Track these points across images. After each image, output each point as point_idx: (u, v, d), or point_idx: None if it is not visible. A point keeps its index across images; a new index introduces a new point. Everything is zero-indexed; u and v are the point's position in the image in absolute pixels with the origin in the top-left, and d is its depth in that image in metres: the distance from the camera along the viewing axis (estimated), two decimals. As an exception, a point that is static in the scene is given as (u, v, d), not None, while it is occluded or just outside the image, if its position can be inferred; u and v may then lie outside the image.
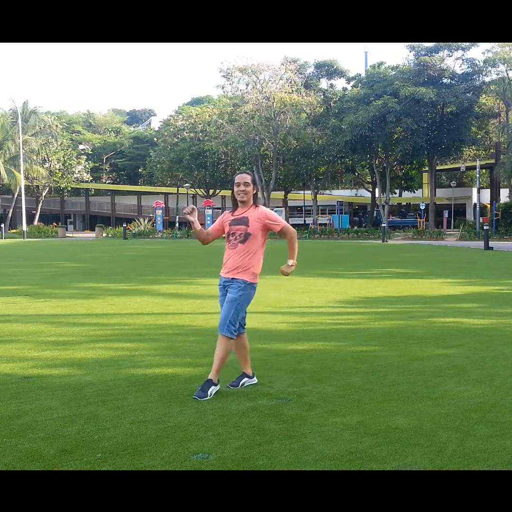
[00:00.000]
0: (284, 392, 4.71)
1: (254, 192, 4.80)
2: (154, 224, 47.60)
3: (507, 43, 39.70)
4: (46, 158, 57.52)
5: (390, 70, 45.34)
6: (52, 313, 8.74)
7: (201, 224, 4.87)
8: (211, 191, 56.49)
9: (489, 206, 42.49)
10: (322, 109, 46.04)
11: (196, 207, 4.89)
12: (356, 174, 54.75)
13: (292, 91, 44.88)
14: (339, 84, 49.38)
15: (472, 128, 44.57)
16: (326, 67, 47.61)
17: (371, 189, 52.68)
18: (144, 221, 47.78)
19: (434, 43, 41.28)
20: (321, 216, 52.37)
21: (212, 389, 4.59)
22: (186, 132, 52.09)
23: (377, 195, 48.47)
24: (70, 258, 21.73)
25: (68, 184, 60.71)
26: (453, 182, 54.76)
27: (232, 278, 4.70)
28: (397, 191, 54.57)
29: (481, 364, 5.57)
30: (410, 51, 42.64)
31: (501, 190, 48.04)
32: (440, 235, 37.51)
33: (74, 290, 11.55)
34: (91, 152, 68.85)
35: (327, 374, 5.25)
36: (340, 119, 41.76)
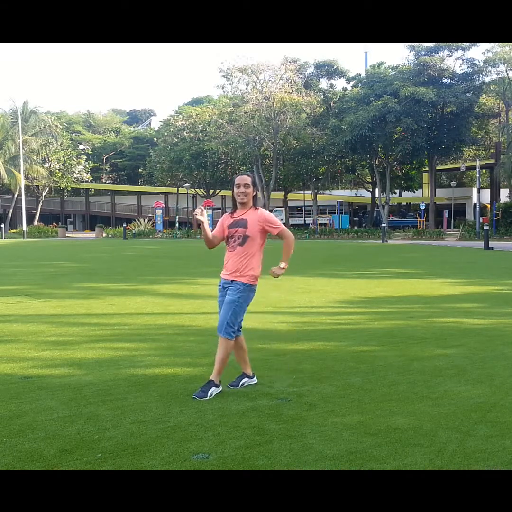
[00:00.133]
0: (284, 392, 4.71)
1: (254, 193, 4.81)
2: (154, 224, 47.60)
3: (507, 43, 39.71)
4: (46, 158, 57.52)
5: (390, 70, 45.34)
6: (52, 313, 8.74)
7: (200, 224, 4.86)
8: (211, 191, 56.48)
9: (489, 206, 42.49)
10: (322, 109, 46.04)
11: (203, 208, 4.86)
12: (356, 174, 54.76)
13: (292, 91, 44.88)
14: (339, 84, 49.47)
15: (472, 128, 44.57)
16: (326, 67, 47.61)
17: (371, 189, 52.68)
18: (144, 221, 47.79)
19: (434, 43, 41.29)
20: (321, 216, 52.36)
21: (213, 390, 4.60)
22: (186, 132, 52.08)
23: (377, 195, 48.48)
24: (70, 258, 21.73)
25: (68, 184, 60.72)
26: (453, 182, 54.77)
27: (232, 280, 4.71)
28: (397, 191, 54.57)
29: (481, 364, 5.57)
30: (410, 51, 42.66)
31: (501, 190, 48.05)
32: (440, 235, 37.51)
33: (74, 290, 11.55)
34: (91, 152, 68.86)
35: (327, 374, 5.25)
36: (340, 119, 41.76)
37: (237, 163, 49.75)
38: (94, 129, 78.93)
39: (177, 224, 47.40)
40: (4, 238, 43.67)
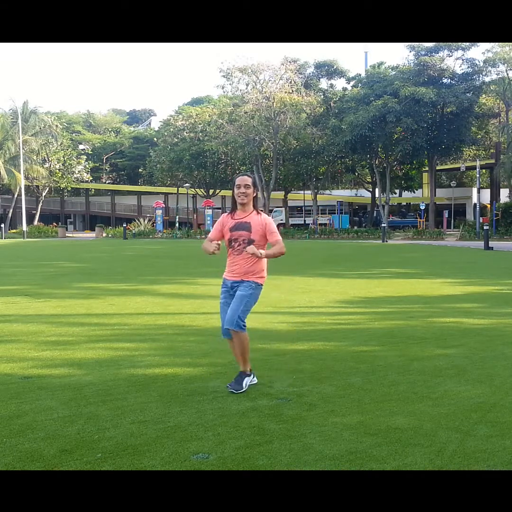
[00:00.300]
0: (284, 392, 4.71)
1: (254, 194, 4.81)
2: (154, 224, 47.61)
3: (507, 43, 39.71)
4: (46, 158, 57.53)
5: (390, 70, 45.34)
6: (52, 313, 8.74)
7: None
8: (211, 191, 56.49)
9: (489, 206, 42.49)
10: (322, 109, 46.05)
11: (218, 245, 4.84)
12: (356, 174, 54.76)
13: (292, 91, 44.88)
14: (339, 84, 49.47)
15: (472, 128, 44.57)
16: (326, 67, 47.61)
17: (371, 189, 52.69)
18: (144, 221, 47.78)
19: (434, 43, 41.29)
20: (321, 216, 52.36)
21: (247, 380, 4.73)
22: (186, 132, 52.09)
23: (377, 195, 48.48)
24: (70, 258, 21.73)
25: (68, 184, 60.72)
26: (453, 182, 54.77)
27: (242, 280, 4.74)
28: (397, 191, 54.57)
29: (481, 364, 5.57)
30: (410, 51, 42.66)
31: (501, 190, 48.05)
32: (440, 235, 37.51)
33: (74, 290, 11.56)
34: (91, 152, 68.86)
35: (327, 374, 5.25)
36: (340, 119, 41.76)
37: (237, 163, 49.76)
38: (94, 129, 78.93)
39: (177, 224, 47.40)
40: (4, 238, 43.68)
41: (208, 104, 61.66)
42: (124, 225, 44.69)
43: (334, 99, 45.93)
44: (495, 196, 45.59)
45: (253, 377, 4.96)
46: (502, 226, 36.76)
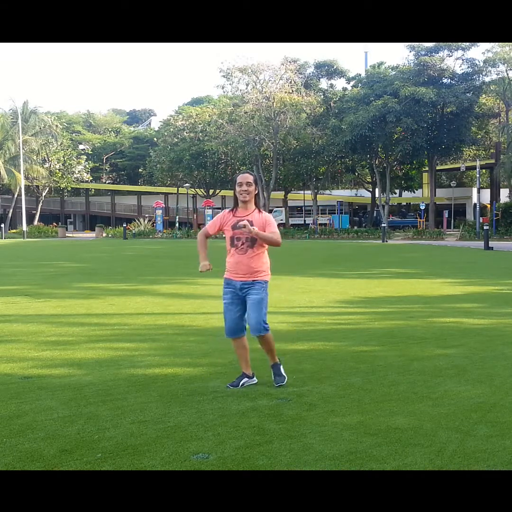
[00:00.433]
0: (284, 392, 4.71)
1: (256, 192, 4.81)
2: (154, 224, 47.59)
3: (507, 43, 39.71)
4: (46, 158, 57.52)
5: (390, 70, 45.33)
6: (52, 313, 8.74)
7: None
8: (211, 191, 56.49)
9: (489, 206, 42.48)
10: (322, 109, 46.04)
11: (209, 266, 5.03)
12: (356, 174, 54.75)
13: (292, 91, 44.88)
14: (339, 84, 49.45)
15: (472, 128, 44.56)
16: (326, 67, 47.60)
17: (371, 189, 52.68)
18: (144, 221, 47.77)
19: (434, 43, 41.28)
20: (321, 216, 52.35)
21: (282, 369, 4.94)
22: (186, 132, 52.08)
23: (377, 195, 48.47)
24: (70, 258, 21.73)
25: (68, 184, 60.71)
26: (453, 182, 54.76)
27: (253, 281, 4.76)
28: (397, 191, 54.56)
29: (481, 364, 5.57)
30: (410, 51, 42.65)
31: (501, 190, 48.04)
32: (440, 235, 37.51)
33: (74, 290, 11.56)
34: (91, 152, 68.85)
35: (327, 374, 5.25)
36: (340, 119, 41.76)
37: (237, 163, 49.74)
38: (94, 129, 78.93)
39: (177, 224, 47.40)
40: (4, 238, 43.67)
41: (208, 104, 61.65)
42: (124, 225, 44.68)
43: (334, 99, 45.93)
44: (495, 196, 45.59)
45: (253, 377, 4.96)
46: (502, 226, 36.75)
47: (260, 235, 4.64)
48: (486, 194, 50.87)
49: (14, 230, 51.80)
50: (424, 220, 45.65)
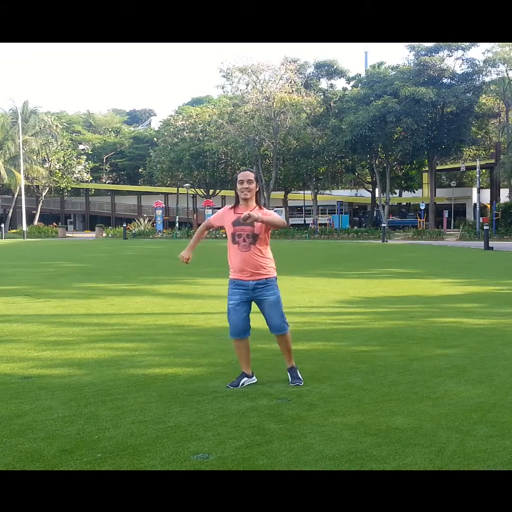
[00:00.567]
0: (284, 392, 4.71)
1: (257, 189, 4.81)
2: (154, 224, 47.59)
3: (507, 43, 39.70)
4: (46, 158, 57.52)
5: (390, 70, 45.33)
6: (52, 313, 8.74)
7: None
8: (211, 191, 56.49)
9: (489, 206, 42.48)
10: (322, 109, 46.04)
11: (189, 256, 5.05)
12: (356, 174, 54.76)
13: (292, 91, 44.88)
14: (339, 84, 49.46)
15: (472, 128, 44.56)
16: (326, 67, 47.60)
17: (371, 189, 52.68)
18: (144, 221, 47.77)
19: (434, 43, 41.27)
20: (321, 216, 52.36)
21: (299, 373, 5.00)
22: (186, 132, 52.08)
23: (377, 195, 48.47)
24: (70, 258, 21.73)
25: (68, 184, 60.71)
26: (453, 182, 54.76)
27: (266, 279, 4.78)
28: (397, 191, 54.57)
29: (481, 364, 5.57)
30: (410, 51, 42.65)
31: (501, 190, 48.04)
32: (440, 235, 37.51)
33: (74, 290, 11.56)
34: (91, 152, 68.85)
35: (327, 374, 5.25)
36: (340, 119, 41.76)
37: (237, 163, 49.72)
38: (94, 129, 78.92)
39: (177, 224, 47.39)
40: (4, 238, 43.68)
41: (208, 104, 61.65)
42: (124, 225, 44.68)
43: (334, 99, 45.92)
44: (495, 196, 45.59)
45: (253, 376, 4.96)
46: (502, 226, 36.75)
47: (264, 219, 4.58)
48: (486, 194, 50.87)
49: (14, 230, 51.80)
50: (424, 220, 45.65)
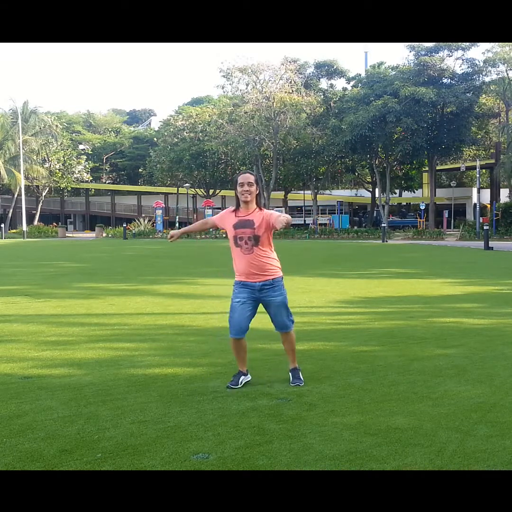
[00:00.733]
0: (284, 392, 4.71)
1: (257, 191, 4.80)
2: (154, 224, 47.59)
3: (507, 43, 39.70)
4: (46, 158, 57.52)
5: (390, 70, 45.33)
6: (52, 313, 8.74)
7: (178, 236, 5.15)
8: (211, 191, 56.50)
9: (489, 206, 42.48)
10: (322, 109, 46.04)
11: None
12: (356, 174, 54.75)
13: (292, 91, 44.89)
14: (339, 84, 49.46)
15: (472, 128, 44.56)
16: (326, 67, 47.60)
17: (371, 189, 52.69)
18: (144, 221, 47.77)
19: (434, 43, 41.27)
20: (321, 216, 52.36)
21: (300, 374, 5.00)
22: (186, 132, 52.10)
23: (377, 195, 48.48)
24: (70, 258, 21.73)
25: (68, 184, 60.72)
26: (453, 182, 54.76)
27: (273, 280, 4.80)
28: (397, 191, 54.57)
29: (481, 364, 5.57)
30: (410, 51, 42.64)
31: (501, 190, 48.04)
32: (440, 235, 37.50)
33: (74, 290, 11.56)
34: (91, 152, 68.86)
35: (327, 374, 5.25)
36: (340, 119, 41.76)
37: (237, 163, 49.75)
38: (94, 129, 78.93)
39: (177, 224, 47.36)
40: (4, 238, 43.67)
41: (208, 104, 61.66)
42: (124, 225, 44.68)
43: (334, 99, 45.92)
44: (495, 196, 45.59)
45: (247, 374, 4.96)
46: (502, 226, 36.74)
47: (289, 220, 4.60)
48: (486, 194, 50.88)
49: (14, 230, 51.81)
50: (424, 220, 45.65)
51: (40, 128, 56.72)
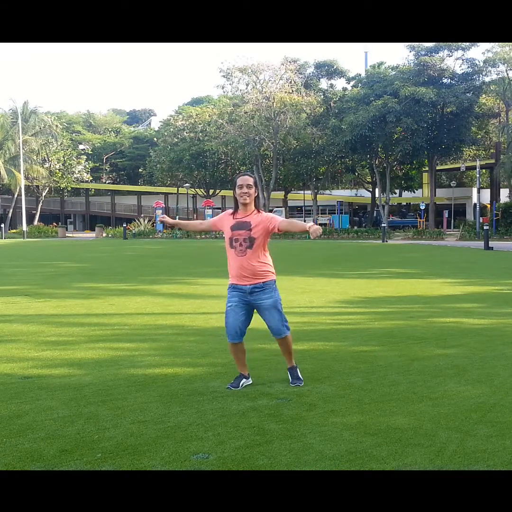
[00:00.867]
0: (284, 392, 4.71)
1: (256, 194, 4.80)
2: (154, 224, 47.59)
3: (507, 43, 39.70)
4: (46, 158, 57.52)
5: (390, 70, 45.32)
6: (52, 313, 8.74)
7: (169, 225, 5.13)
8: (211, 191, 56.50)
9: (489, 206, 42.48)
10: (322, 109, 46.04)
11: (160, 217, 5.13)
12: (356, 174, 54.75)
13: (292, 91, 44.88)
14: (339, 84, 49.45)
15: (472, 128, 44.56)
16: (326, 67, 47.60)
17: (371, 189, 52.68)
18: (144, 221, 47.76)
19: (434, 43, 41.27)
20: (321, 216, 52.36)
21: (299, 373, 5.01)
22: (186, 132, 52.10)
23: (377, 195, 48.47)
24: (70, 258, 21.73)
25: (68, 184, 60.71)
26: (453, 182, 54.76)
27: (263, 283, 4.75)
28: (397, 191, 54.56)
29: (481, 364, 5.57)
30: (410, 51, 42.64)
31: (501, 190, 48.03)
32: (440, 235, 37.50)
33: (74, 290, 11.56)
34: (91, 152, 68.84)
35: (327, 374, 5.25)
36: (340, 119, 41.75)
37: (237, 163, 49.76)
38: (94, 129, 78.92)
39: (177, 224, 47.28)
40: (4, 238, 43.67)
41: (208, 104, 61.67)
42: (124, 225, 44.67)
43: (334, 99, 45.93)
44: (495, 196, 45.59)
45: (249, 378, 4.95)
46: (502, 226, 36.74)
47: (303, 223, 4.70)
48: (486, 194, 50.87)
49: (14, 230, 51.80)
50: (424, 220, 45.65)
51: (40, 128, 56.71)
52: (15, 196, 55.07)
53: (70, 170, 60.28)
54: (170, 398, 4.56)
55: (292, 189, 54.47)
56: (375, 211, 51.80)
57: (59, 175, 58.65)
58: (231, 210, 4.92)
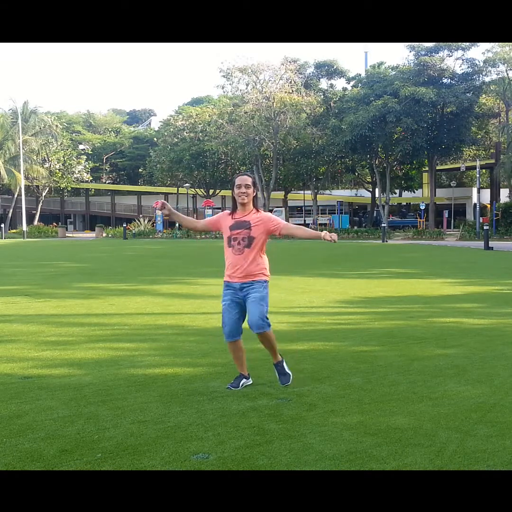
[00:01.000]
0: (284, 392, 4.71)
1: (254, 194, 4.80)
2: (154, 224, 47.58)
3: (507, 43, 39.70)
4: (46, 158, 57.53)
5: (390, 70, 45.34)
6: (52, 313, 8.74)
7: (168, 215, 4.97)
8: (211, 191, 56.50)
9: (489, 206, 42.47)
10: (322, 109, 46.05)
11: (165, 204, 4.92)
12: (356, 174, 54.75)
13: (292, 91, 44.89)
14: (339, 84, 49.47)
15: (472, 128, 44.56)
16: (326, 67, 47.61)
17: (371, 189, 52.68)
18: (144, 221, 47.76)
19: (434, 43, 41.27)
20: (321, 216, 52.36)
21: (285, 367, 4.96)
22: (186, 132, 52.10)
23: (377, 195, 48.48)
24: (70, 258, 21.73)
25: (68, 184, 60.72)
26: (453, 182, 54.76)
27: (253, 281, 4.72)
28: (397, 191, 54.56)
29: (481, 364, 5.57)
30: (410, 51, 42.65)
31: (501, 190, 48.03)
32: (440, 235, 37.50)
33: (74, 290, 11.55)
34: (91, 152, 68.85)
35: (327, 374, 5.25)
36: (340, 119, 41.76)
37: (237, 163, 49.76)
38: (94, 129, 78.92)
39: (177, 224, 47.34)
40: (4, 238, 43.67)
41: (208, 104, 61.67)
42: (124, 225, 44.67)
43: (334, 99, 45.93)
44: (495, 196, 45.58)
45: (249, 378, 4.95)
46: (502, 226, 36.73)
47: (316, 232, 4.70)
48: (486, 194, 50.87)
49: (14, 230, 51.80)
50: (424, 220, 45.65)
51: (40, 128, 56.72)
52: (15, 196, 55.08)
53: (70, 170, 60.30)
54: (170, 398, 4.56)
55: (292, 189, 54.47)
56: (375, 211, 51.80)
57: (59, 175, 58.66)
58: (229, 210, 4.93)
